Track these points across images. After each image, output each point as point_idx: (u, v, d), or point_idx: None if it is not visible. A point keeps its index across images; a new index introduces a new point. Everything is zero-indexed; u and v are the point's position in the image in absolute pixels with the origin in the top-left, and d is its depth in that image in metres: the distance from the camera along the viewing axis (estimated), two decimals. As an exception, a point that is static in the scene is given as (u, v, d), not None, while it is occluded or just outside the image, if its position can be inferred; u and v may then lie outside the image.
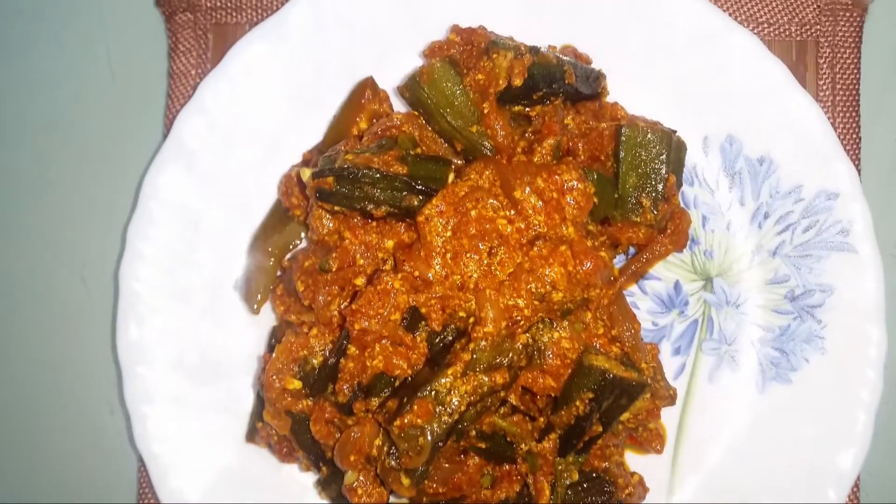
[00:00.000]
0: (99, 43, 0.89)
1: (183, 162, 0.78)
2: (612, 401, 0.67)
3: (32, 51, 0.90)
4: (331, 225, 0.72)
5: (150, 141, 0.86)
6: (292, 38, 0.79)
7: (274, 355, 0.70)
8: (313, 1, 0.79)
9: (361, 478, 0.70)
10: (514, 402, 0.71)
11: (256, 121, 0.80)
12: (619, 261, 0.79)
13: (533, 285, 0.66)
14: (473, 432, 0.69)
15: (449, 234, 0.68)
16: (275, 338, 0.77)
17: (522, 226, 0.68)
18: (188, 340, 0.78)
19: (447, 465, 0.73)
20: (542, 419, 0.71)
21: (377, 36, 0.80)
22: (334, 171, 0.68)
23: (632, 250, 0.79)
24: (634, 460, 0.78)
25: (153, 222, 0.78)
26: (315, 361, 0.70)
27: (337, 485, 0.73)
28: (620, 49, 0.79)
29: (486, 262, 0.67)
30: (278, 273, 0.79)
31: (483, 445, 0.70)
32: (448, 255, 0.67)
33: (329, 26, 0.79)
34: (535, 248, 0.67)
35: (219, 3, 0.87)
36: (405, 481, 0.67)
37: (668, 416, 0.78)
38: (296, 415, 0.71)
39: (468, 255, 0.67)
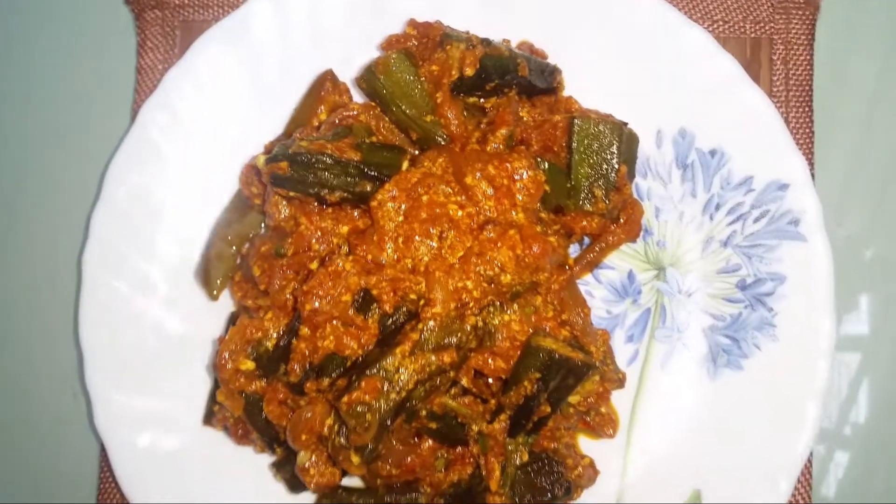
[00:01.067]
0: (69, 38, 0.91)
1: (146, 152, 0.80)
2: (559, 381, 0.68)
3: (3, 45, 0.92)
4: (287, 211, 0.74)
5: (117, 133, 0.88)
6: (254, 33, 0.82)
7: (227, 336, 0.71)
8: (259, 9, 0.81)
9: (314, 458, 0.71)
10: (466, 385, 0.72)
11: (219, 114, 0.82)
12: (573, 250, 0.81)
13: (482, 268, 0.68)
14: (424, 412, 0.70)
15: (401, 218, 0.69)
16: (232, 323, 0.78)
17: (473, 211, 0.70)
18: (148, 326, 0.79)
19: (401, 448, 0.75)
20: (493, 401, 0.72)
21: (338, 31, 0.82)
22: (288, 157, 0.69)
23: (586, 240, 0.81)
24: (588, 445, 0.79)
25: (115, 210, 0.80)
26: (269, 344, 0.71)
27: (291, 465, 0.74)
28: (576, 45, 0.81)
29: (436, 245, 0.68)
30: (237, 261, 0.80)
31: (434, 426, 0.72)
32: (400, 239, 0.69)
33: (291, 22, 0.82)
34: (485, 233, 0.69)
35: (186, 1, 0.89)
36: (355, 459, 0.68)
37: (622, 403, 0.79)
38: (249, 396, 0.72)
39: (420, 239, 0.68)
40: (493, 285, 0.68)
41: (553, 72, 0.79)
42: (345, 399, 0.65)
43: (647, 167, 0.82)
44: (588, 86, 0.81)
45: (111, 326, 0.78)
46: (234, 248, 0.80)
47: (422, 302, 0.68)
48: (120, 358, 0.78)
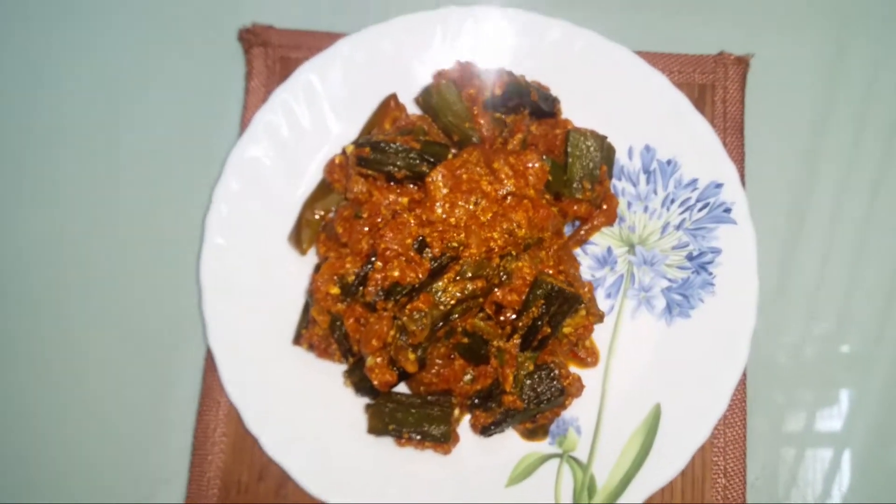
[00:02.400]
0: (191, 66, 1.21)
1: (258, 146, 1.09)
2: (557, 307, 0.95)
3: (138, 72, 1.23)
4: (363, 188, 1.03)
5: (229, 139, 1.16)
6: (336, 68, 1.11)
7: (320, 271, 0.99)
8: (352, 42, 1.12)
9: (379, 360, 0.97)
10: (490, 313, 0.99)
11: (306, 126, 1.11)
12: (567, 230, 1.09)
13: (504, 224, 0.96)
14: (460, 329, 0.98)
15: (447, 190, 0.98)
16: (317, 270, 1.05)
17: (498, 187, 0.98)
18: (254, 271, 1.06)
19: (439, 362, 1.01)
20: (508, 326, 0.99)
21: (398, 67, 1.12)
22: (370, 144, 0.99)
23: (577, 225, 1.10)
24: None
25: (231, 189, 1.08)
26: (349, 278, 0.98)
27: (359, 370, 0.99)
28: (572, 84, 1.11)
29: (472, 209, 0.97)
30: (321, 227, 1.08)
31: (466, 341, 0.98)
32: (446, 205, 0.97)
33: (361, 61, 1.12)
34: (507, 201, 0.97)
35: (283, 42, 1.20)
36: (411, 356, 0.94)
37: (602, 343, 1.06)
38: (333, 314, 0.99)
39: (461, 204, 0.97)
40: (511, 237, 0.96)
41: (554, 101, 1.09)
42: (409, 306, 0.92)
43: (621, 173, 1.11)
44: (579, 112, 1.10)
45: (225, 270, 1.06)
46: (318, 216, 1.08)
47: (461, 248, 0.96)
48: (231, 292, 1.05)
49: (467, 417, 1.04)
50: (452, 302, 0.94)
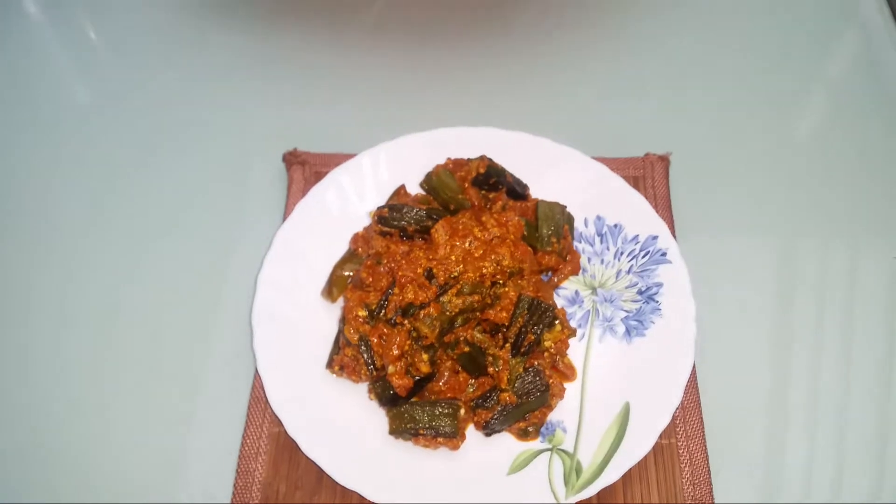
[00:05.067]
0: (246, 179, 1.57)
1: (298, 225, 1.41)
2: (538, 316, 1.22)
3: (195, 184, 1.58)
4: (383, 243, 1.33)
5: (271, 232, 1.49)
6: (359, 170, 1.48)
7: (350, 300, 1.26)
8: (371, 153, 1.49)
9: (398, 367, 1.21)
10: (485, 328, 1.25)
11: (335, 211, 1.44)
12: (544, 279, 1.39)
13: (493, 256, 1.25)
14: (462, 338, 1.23)
15: (447, 237, 1.29)
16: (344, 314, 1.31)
17: (486, 234, 1.29)
18: (293, 317, 1.33)
19: (447, 374, 1.25)
20: (501, 339, 1.25)
21: (406, 167, 1.48)
22: (388, 206, 1.32)
23: (550, 276, 1.40)
24: (559, 386, 1.28)
25: (276, 256, 1.38)
26: (374, 305, 1.25)
27: (381, 383, 1.22)
28: (537, 175, 1.47)
29: (467, 248, 1.27)
30: (349, 281, 1.37)
31: (467, 350, 1.23)
32: (447, 247, 1.27)
33: (380, 164, 1.48)
34: (493, 242, 1.28)
35: (318, 161, 1.57)
36: (425, 357, 1.18)
37: (578, 362, 1.30)
38: (361, 334, 1.24)
39: (458, 244, 1.27)
40: (498, 266, 1.25)
41: (525, 186, 1.45)
42: (422, 313, 1.19)
43: (580, 237, 1.43)
44: (544, 195, 1.46)
45: (273, 315, 1.32)
46: (346, 274, 1.37)
47: (460, 275, 1.24)
48: (275, 330, 1.30)
49: (471, 428, 1.25)
50: (456, 310, 1.20)
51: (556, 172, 1.46)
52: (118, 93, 1.71)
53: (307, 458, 1.20)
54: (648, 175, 1.53)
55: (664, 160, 1.54)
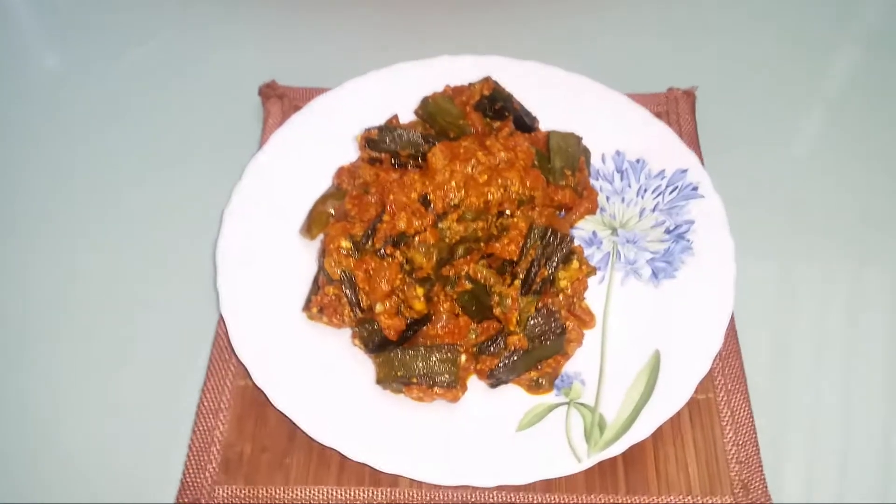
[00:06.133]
0: (217, 112, 1.40)
1: (274, 154, 1.23)
2: (553, 247, 1.04)
3: (170, 117, 1.40)
4: (371, 172, 1.15)
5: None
6: (347, 98, 1.30)
7: (333, 227, 1.07)
8: (360, 81, 1.31)
9: (387, 305, 1.02)
10: (491, 265, 1.06)
11: (317, 141, 1.25)
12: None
13: (500, 181, 1.07)
14: (464, 273, 1.04)
15: (446, 161, 1.10)
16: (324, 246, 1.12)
17: (492, 158, 1.11)
18: (264, 253, 1.14)
19: (445, 317, 1.06)
20: (508, 276, 1.06)
21: (400, 97, 1.30)
22: (378, 128, 1.14)
23: (563, 215, 1.22)
24: (576, 334, 1.10)
25: (248, 191, 1.19)
26: (358, 237, 1.06)
27: (368, 325, 1.03)
28: (548, 107, 1.30)
29: (469, 172, 1.09)
30: (331, 218, 1.18)
31: (470, 287, 1.04)
32: (446, 172, 1.09)
33: (370, 93, 1.29)
34: (500, 165, 1.10)
35: (297, 96, 1.39)
36: (419, 290, 1.00)
37: (598, 308, 1.12)
38: (344, 268, 1.05)
39: (458, 169, 1.09)
40: (505, 192, 1.07)
41: (534, 118, 1.27)
42: (417, 238, 1.00)
43: (597, 175, 1.26)
44: (557, 128, 1.28)
45: (240, 250, 1.13)
46: (329, 209, 1.19)
47: (462, 201, 1.06)
48: (243, 267, 1.11)
49: (473, 378, 1.06)
50: (456, 238, 1.02)
51: (568, 104, 1.29)
52: (91, 29, 1.54)
53: (277, 414, 1.01)
54: (672, 111, 1.36)
55: (689, 95, 1.38)
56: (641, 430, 0.98)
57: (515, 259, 1.05)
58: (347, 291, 1.04)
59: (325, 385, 1.02)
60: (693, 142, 1.31)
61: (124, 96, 1.43)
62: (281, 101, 1.38)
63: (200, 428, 1.04)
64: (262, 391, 1.01)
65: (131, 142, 1.37)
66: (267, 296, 1.09)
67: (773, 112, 1.41)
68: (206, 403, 1.06)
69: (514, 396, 1.04)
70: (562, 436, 0.99)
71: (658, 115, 1.34)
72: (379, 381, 1.02)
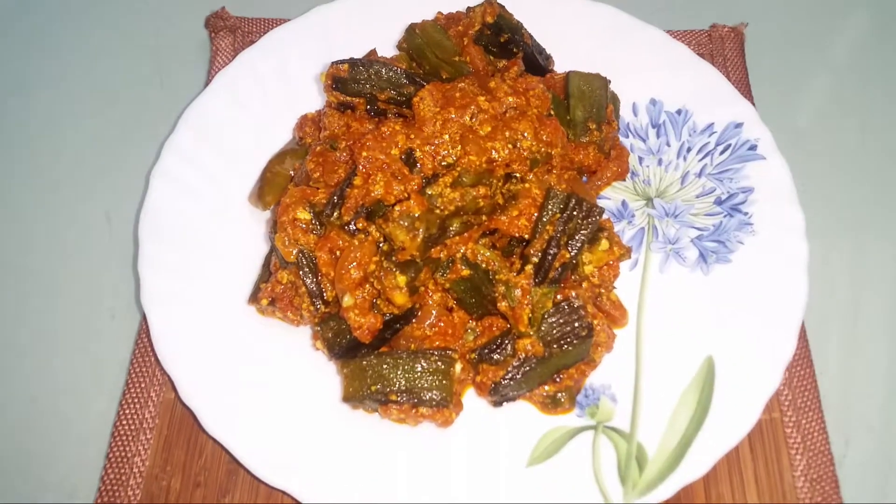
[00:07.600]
0: (160, 47, 1.14)
1: (217, 101, 0.97)
2: (577, 220, 0.79)
3: (97, 52, 1.13)
4: (340, 121, 0.89)
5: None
6: (309, 30, 1.03)
7: (288, 194, 0.81)
8: (326, 10, 1.04)
9: (359, 298, 0.77)
10: (494, 243, 0.81)
11: (270, 89, 1.00)
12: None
13: (507, 133, 0.82)
14: (460, 255, 0.79)
15: (438, 108, 0.84)
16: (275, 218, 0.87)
17: (497, 105, 0.85)
18: (201, 228, 0.88)
19: (435, 313, 0.81)
20: (517, 260, 0.81)
21: (372, 30, 1.03)
22: (349, 61, 0.87)
23: (586, 180, 0.96)
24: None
25: (182, 141, 0.93)
26: (319, 206, 0.81)
27: (333, 322, 0.79)
28: (567, 41, 1.03)
29: (468, 123, 0.83)
30: (290, 181, 0.92)
31: (467, 273, 0.79)
32: (437, 123, 0.83)
33: (340, 22, 1.03)
34: (508, 114, 0.84)
35: (253, 29, 1.13)
36: (400, 278, 0.74)
37: (630, 301, 0.87)
38: (302, 247, 0.80)
39: (455, 117, 0.83)
40: (515, 148, 0.82)
41: (548, 57, 1.01)
42: (397, 208, 0.75)
43: (627, 130, 1.00)
44: (580, 68, 1.02)
45: (169, 225, 0.87)
46: (287, 171, 0.93)
47: (458, 160, 0.80)
48: (171, 246, 0.86)
49: (471, 394, 0.81)
50: (450, 209, 0.76)
51: (590, 41, 1.03)
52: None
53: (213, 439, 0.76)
54: (718, 52, 1.10)
55: (737, 33, 1.11)
56: (694, 468, 0.74)
57: (527, 237, 0.80)
58: (306, 279, 0.79)
59: (275, 403, 0.78)
60: (744, 90, 1.06)
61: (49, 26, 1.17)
62: (233, 34, 1.11)
63: (115, 454, 0.80)
64: (190, 410, 0.76)
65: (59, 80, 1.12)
66: (202, 283, 0.86)
67: (838, 58, 1.15)
68: (123, 422, 0.81)
69: (524, 418, 0.80)
70: (588, 472, 0.75)
71: (700, 56, 1.08)
72: (346, 399, 0.77)
